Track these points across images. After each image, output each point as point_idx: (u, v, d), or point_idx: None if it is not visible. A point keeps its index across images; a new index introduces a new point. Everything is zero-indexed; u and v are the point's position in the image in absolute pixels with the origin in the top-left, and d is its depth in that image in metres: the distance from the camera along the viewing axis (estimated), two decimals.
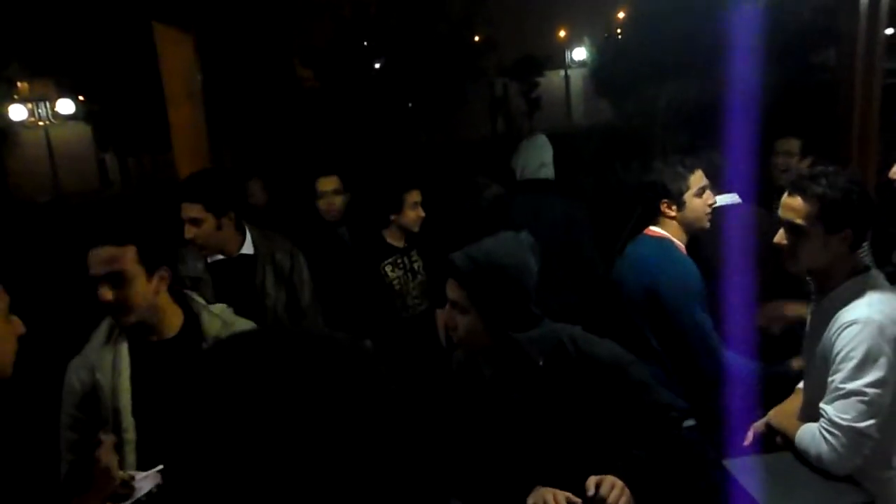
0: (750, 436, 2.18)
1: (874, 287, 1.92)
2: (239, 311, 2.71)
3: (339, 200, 3.66)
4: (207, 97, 3.25)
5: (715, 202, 2.66)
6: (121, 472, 1.78)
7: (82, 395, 1.98)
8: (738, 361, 2.44)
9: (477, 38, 21.75)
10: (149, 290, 1.95)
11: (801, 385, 2.25)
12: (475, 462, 1.91)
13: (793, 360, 2.37)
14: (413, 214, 3.42)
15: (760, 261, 2.76)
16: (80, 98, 21.02)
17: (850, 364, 1.83)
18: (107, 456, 1.68)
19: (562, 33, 33.41)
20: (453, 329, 1.87)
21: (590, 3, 26.76)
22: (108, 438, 1.72)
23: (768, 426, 2.15)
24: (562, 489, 1.75)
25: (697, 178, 2.59)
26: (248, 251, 2.91)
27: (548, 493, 1.74)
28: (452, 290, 1.83)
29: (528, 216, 3.36)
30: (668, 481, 2.38)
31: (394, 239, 3.46)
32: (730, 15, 3.75)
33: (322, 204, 3.64)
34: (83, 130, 22.73)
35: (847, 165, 3.28)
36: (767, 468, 1.95)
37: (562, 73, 31.40)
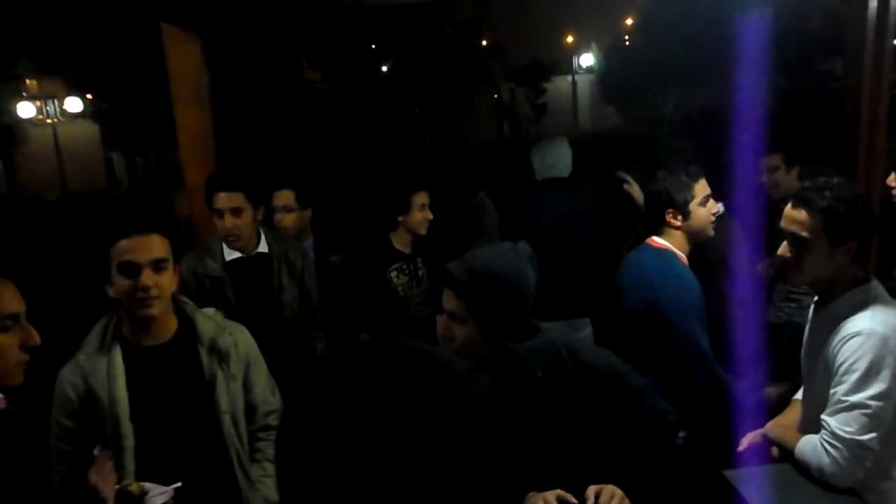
0: (745, 444, 2.18)
1: (876, 298, 1.91)
2: (256, 308, 2.84)
3: (291, 217, 3.46)
4: (214, 98, 3.26)
5: (719, 211, 2.65)
6: (134, 484, 1.77)
7: (77, 404, 1.95)
8: (728, 379, 2.46)
9: (484, 43, 21.78)
10: (174, 283, 2.01)
11: (798, 396, 2.24)
12: (472, 474, 1.89)
13: (769, 387, 2.37)
14: (420, 216, 3.40)
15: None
16: (89, 96, 21.12)
17: (854, 376, 1.82)
18: (97, 476, 1.66)
19: (569, 39, 33.43)
20: (449, 340, 1.83)
21: (597, 9, 26.78)
22: (102, 456, 1.71)
23: (765, 438, 2.14)
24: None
25: (702, 187, 2.58)
26: (263, 250, 2.98)
27: (538, 497, 1.73)
28: (449, 301, 1.81)
29: (547, 212, 3.67)
30: (667, 491, 2.39)
31: (401, 244, 3.44)
32: (738, 23, 3.74)
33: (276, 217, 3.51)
34: (91, 129, 22.82)
35: (853, 175, 3.28)
36: (768, 479, 1.95)
37: (569, 78, 31.42)
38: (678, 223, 2.57)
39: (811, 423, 1.97)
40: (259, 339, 2.26)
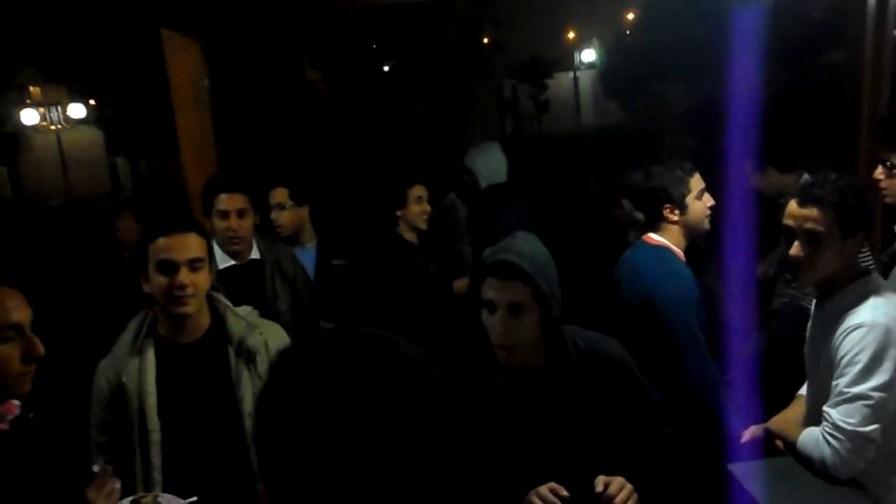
0: (747, 437, 2.19)
1: (877, 290, 1.91)
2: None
3: (287, 215, 3.36)
4: (215, 102, 3.27)
5: (713, 203, 2.66)
6: (149, 496, 1.79)
7: (110, 397, 2.00)
8: (720, 374, 2.48)
9: (485, 40, 21.76)
10: (209, 282, 2.04)
11: (802, 391, 2.24)
12: (483, 473, 1.90)
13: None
14: (417, 209, 3.42)
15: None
16: (92, 102, 21.20)
17: (856, 368, 1.82)
18: (96, 493, 1.67)
19: (570, 35, 33.37)
20: (509, 334, 1.79)
21: (598, 5, 26.73)
22: (102, 472, 1.72)
23: (767, 431, 2.14)
24: (569, 490, 1.75)
25: (696, 181, 2.60)
26: (256, 257, 2.94)
27: (533, 494, 1.74)
28: (515, 293, 1.77)
29: (513, 217, 3.53)
30: (671, 485, 2.39)
31: (411, 237, 3.47)
32: (738, 17, 3.73)
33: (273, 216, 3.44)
34: (94, 134, 22.92)
35: (855, 168, 3.27)
36: (771, 472, 1.95)
37: (571, 74, 31.36)
38: (676, 218, 2.58)
39: (815, 418, 1.97)
40: None
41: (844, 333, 1.87)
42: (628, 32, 23.95)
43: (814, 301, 2.10)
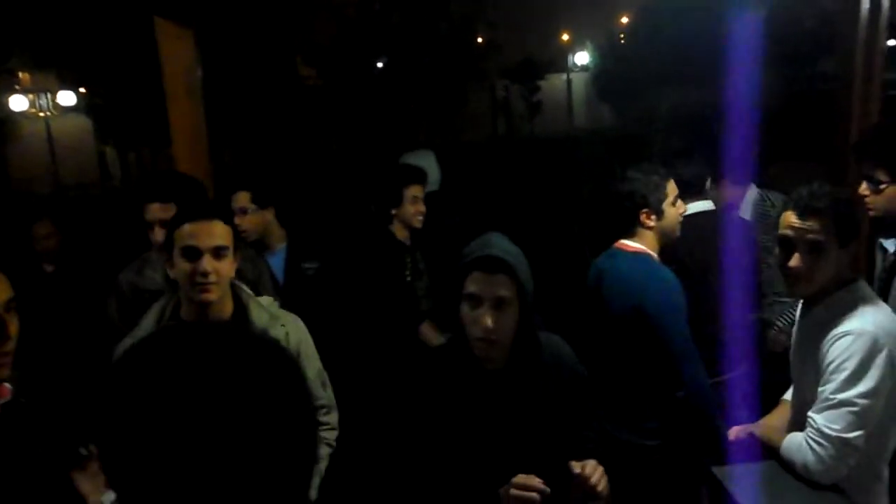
0: (732, 436, 2.22)
1: (865, 298, 1.93)
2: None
3: (249, 220, 3.19)
4: (208, 93, 3.25)
5: (686, 210, 2.66)
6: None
7: None
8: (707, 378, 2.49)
9: (479, 40, 21.76)
10: (232, 270, 2.04)
11: (786, 396, 2.26)
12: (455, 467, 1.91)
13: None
14: (412, 209, 3.39)
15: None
16: (82, 90, 21.02)
17: (843, 375, 1.84)
18: (82, 476, 1.65)
19: (564, 37, 33.44)
20: (495, 328, 1.79)
21: (593, 7, 26.81)
22: (90, 456, 1.70)
23: (752, 436, 2.16)
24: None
25: (672, 188, 2.61)
26: None
27: (503, 490, 1.75)
28: (502, 287, 1.77)
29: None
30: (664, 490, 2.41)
31: (401, 237, 3.45)
32: (732, 22, 3.75)
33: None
34: (84, 123, 22.71)
35: (845, 176, 3.30)
36: (753, 476, 1.97)
37: (564, 76, 31.43)
38: (652, 223, 2.57)
39: (799, 423, 1.99)
40: None
41: (832, 340, 1.88)
42: (622, 36, 24.06)
43: (799, 307, 2.12)
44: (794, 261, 1.94)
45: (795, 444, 1.94)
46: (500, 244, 1.82)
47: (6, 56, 17.32)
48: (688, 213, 2.94)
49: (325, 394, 2.26)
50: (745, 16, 3.67)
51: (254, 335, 0.81)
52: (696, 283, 2.79)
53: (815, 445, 1.87)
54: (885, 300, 2.34)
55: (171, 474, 0.69)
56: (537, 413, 1.90)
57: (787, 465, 1.96)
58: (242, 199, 3.20)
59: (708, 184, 3.22)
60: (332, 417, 2.29)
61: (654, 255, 2.58)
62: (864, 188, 2.40)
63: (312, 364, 2.23)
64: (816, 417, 1.88)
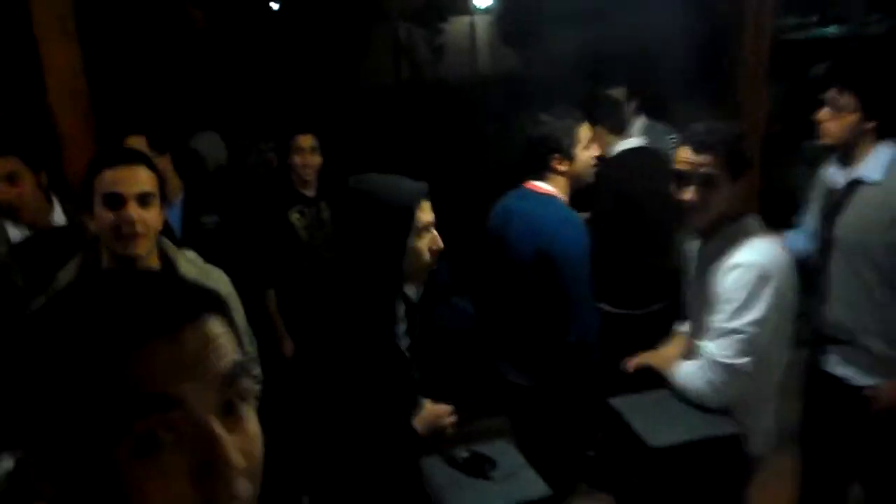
0: (630, 367, 2.32)
1: (754, 231, 2.03)
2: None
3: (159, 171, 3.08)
4: (84, 36, 3.00)
5: (598, 154, 2.68)
6: None
7: None
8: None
9: None
10: (160, 221, 1.90)
11: (682, 328, 2.36)
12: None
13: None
14: (300, 159, 3.31)
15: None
16: None
17: (733, 305, 1.93)
18: None
19: None
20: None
21: None
22: None
23: (647, 366, 2.26)
24: None
25: (585, 132, 2.60)
26: (61, 221, 2.56)
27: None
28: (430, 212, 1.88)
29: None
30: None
31: (304, 187, 3.37)
32: None
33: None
34: None
35: (736, 115, 3.42)
36: (647, 404, 2.07)
37: (467, 19, 31.09)
38: (563, 168, 2.56)
39: (694, 353, 2.09)
40: None
41: (723, 273, 1.97)
42: None
43: (697, 243, 2.21)
44: (689, 194, 2.01)
45: (688, 371, 2.04)
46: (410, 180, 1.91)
47: None
48: (617, 151, 2.98)
49: (251, 348, 2.20)
50: None
51: (187, 282, 0.71)
52: (632, 219, 2.85)
53: (706, 372, 1.97)
54: (830, 234, 2.44)
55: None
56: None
57: (679, 392, 2.06)
58: (138, 143, 2.90)
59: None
60: (258, 371, 2.24)
61: (565, 199, 2.58)
62: (823, 113, 2.40)
63: (240, 317, 2.13)
64: (708, 345, 1.98)
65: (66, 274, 1.91)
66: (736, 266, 1.95)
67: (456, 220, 2.14)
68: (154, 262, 1.95)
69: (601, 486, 3.09)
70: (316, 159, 3.35)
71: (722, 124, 2.04)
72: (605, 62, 3.78)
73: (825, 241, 2.47)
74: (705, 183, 1.99)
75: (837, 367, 2.50)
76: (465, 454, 1.94)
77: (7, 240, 2.44)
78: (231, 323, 0.70)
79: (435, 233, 1.89)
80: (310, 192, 3.39)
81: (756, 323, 1.92)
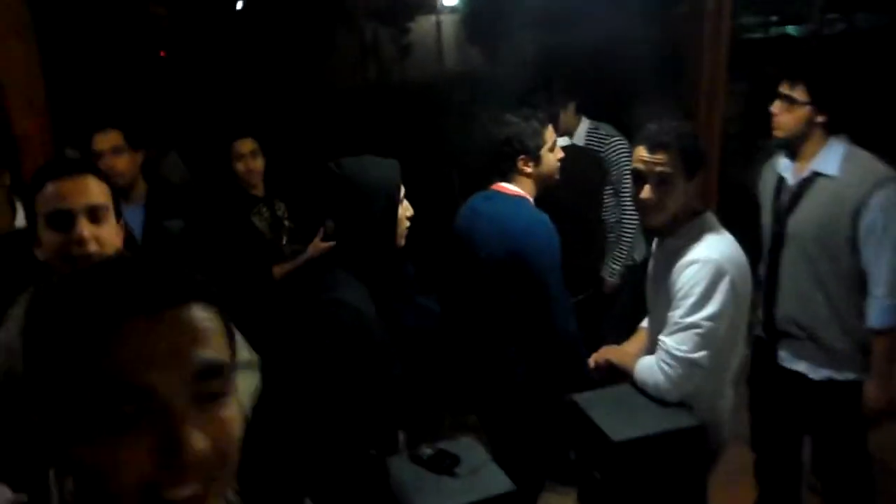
0: (591, 365, 2.37)
1: (710, 228, 2.07)
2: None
3: (123, 161, 2.88)
4: (40, 32, 2.94)
5: (562, 156, 2.69)
6: None
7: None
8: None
9: None
10: (118, 238, 1.67)
11: (643, 324, 2.40)
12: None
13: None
14: (242, 165, 3.29)
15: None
16: None
17: (690, 300, 1.97)
18: None
19: None
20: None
21: None
22: None
23: (608, 363, 2.30)
24: None
25: (550, 133, 2.60)
26: (22, 224, 2.36)
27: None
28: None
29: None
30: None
31: (253, 190, 3.37)
32: None
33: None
34: None
35: (694, 116, 3.49)
36: (610, 399, 2.11)
37: (433, 18, 31.04)
38: (529, 169, 2.55)
39: (654, 348, 2.13)
40: None
41: (681, 269, 2.01)
42: None
43: (654, 240, 2.25)
44: (645, 192, 2.05)
45: (647, 365, 2.08)
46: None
47: None
48: None
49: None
50: None
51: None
52: (554, 215, 2.88)
53: (664, 366, 2.01)
54: (783, 229, 2.48)
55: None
56: None
57: (640, 387, 2.10)
58: (114, 137, 2.85)
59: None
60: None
61: (530, 199, 2.57)
62: (776, 106, 2.45)
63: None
64: (666, 340, 2.02)
65: (17, 310, 1.67)
66: (692, 262, 1.99)
67: (421, 219, 2.14)
68: None
69: (564, 481, 3.12)
70: (258, 162, 3.33)
71: (677, 123, 2.07)
72: (552, 64, 3.85)
73: (777, 236, 2.52)
74: (661, 181, 2.03)
75: (790, 361, 2.56)
76: (429, 451, 1.96)
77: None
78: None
79: (406, 201, 1.99)
80: (259, 193, 3.38)
81: (712, 317, 1.97)
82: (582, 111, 3.66)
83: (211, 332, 0.68)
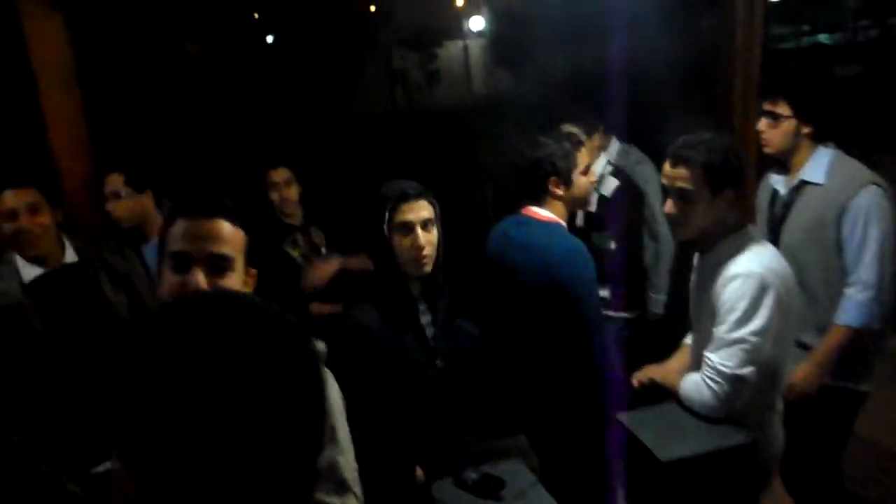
0: (636, 384, 2.35)
1: (752, 242, 2.04)
2: (81, 328, 2.34)
3: (123, 205, 2.93)
4: (83, 81, 3.04)
5: (596, 179, 2.68)
6: None
7: None
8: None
9: (373, 9, 21.33)
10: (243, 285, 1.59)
11: (686, 341, 2.37)
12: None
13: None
14: (276, 195, 3.34)
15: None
16: None
17: (735, 315, 1.94)
18: None
19: (459, 2, 33.28)
20: (429, 245, 2.04)
21: None
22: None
23: (652, 381, 2.27)
24: None
25: (583, 156, 2.56)
26: (71, 259, 2.52)
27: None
28: (424, 210, 2.03)
29: None
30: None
31: (289, 219, 3.40)
32: None
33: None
34: None
35: (730, 129, 3.45)
36: (656, 418, 2.07)
37: (460, 43, 31.32)
38: (561, 192, 2.51)
39: (698, 365, 2.09)
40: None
41: (724, 283, 1.98)
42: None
43: (696, 255, 2.22)
44: (668, 206, 2.05)
45: (692, 382, 2.04)
46: (410, 181, 2.06)
47: None
48: None
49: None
50: None
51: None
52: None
53: (710, 382, 1.97)
54: (776, 243, 2.48)
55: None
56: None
57: (685, 405, 2.07)
58: (115, 181, 2.93)
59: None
60: None
61: (563, 223, 2.53)
62: (762, 124, 2.54)
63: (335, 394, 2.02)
64: (712, 356, 1.98)
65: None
66: (736, 276, 1.97)
67: (455, 243, 2.16)
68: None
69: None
70: (292, 191, 3.37)
71: (708, 136, 2.04)
72: (579, 85, 3.84)
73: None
74: (682, 196, 2.02)
75: None
76: (474, 475, 1.94)
77: (20, 280, 2.37)
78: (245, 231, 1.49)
79: (418, 233, 2.00)
80: (296, 222, 3.42)
81: (758, 332, 1.93)
82: (612, 132, 3.61)
83: (228, 235, 1.44)
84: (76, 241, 2.57)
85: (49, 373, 2.15)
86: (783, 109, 2.48)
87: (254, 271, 1.57)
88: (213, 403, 0.66)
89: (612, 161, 3.49)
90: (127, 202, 2.93)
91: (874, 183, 2.40)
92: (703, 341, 2.09)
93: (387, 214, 2.02)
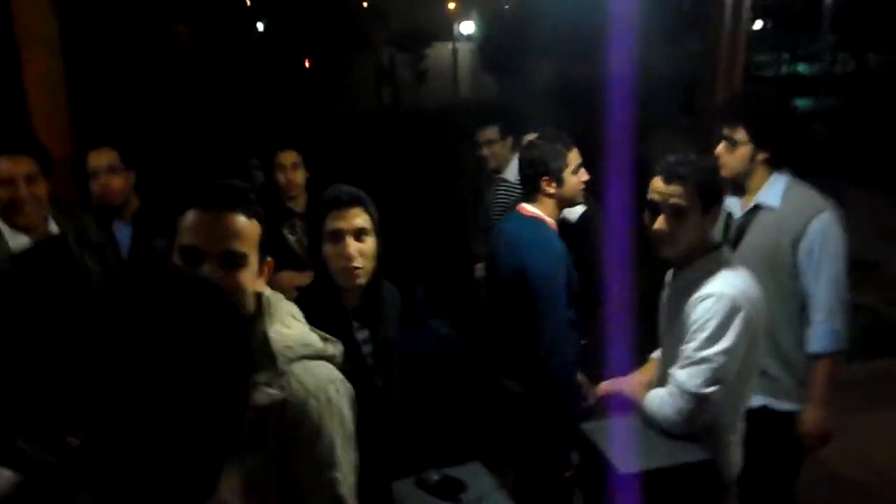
0: (600, 393, 2.37)
1: (726, 263, 2.06)
2: (63, 299, 2.27)
3: (118, 180, 2.86)
4: (66, 45, 2.99)
5: (588, 179, 2.74)
6: None
7: None
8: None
9: (365, 5, 21.34)
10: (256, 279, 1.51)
11: (654, 355, 2.39)
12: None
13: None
14: (283, 176, 3.33)
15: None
16: None
17: (704, 334, 1.96)
18: None
19: (451, 5, 33.37)
20: (360, 256, 1.92)
21: None
22: None
23: (618, 393, 2.29)
24: None
25: (574, 156, 2.68)
26: (53, 230, 2.48)
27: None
28: (360, 218, 1.93)
29: None
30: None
31: (292, 203, 3.38)
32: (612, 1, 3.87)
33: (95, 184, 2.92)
34: None
35: (709, 150, 3.50)
36: (618, 430, 2.08)
37: (450, 45, 31.43)
38: (552, 190, 2.64)
39: (665, 380, 2.11)
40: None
41: (695, 302, 2.00)
42: (507, 7, 24.28)
43: (670, 272, 2.24)
44: (659, 223, 2.05)
45: (657, 398, 2.06)
46: (347, 187, 1.97)
47: None
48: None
49: None
50: None
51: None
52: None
53: (674, 399, 1.99)
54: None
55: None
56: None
57: (647, 419, 2.08)
58: (110, 156, 2.84)
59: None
60: None
61: (550, 220, 2.65)
62: (720, 148, 2.57)
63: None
64: (677, 373, 2.00)
65: None
66: (708, 296, 1.98)
67: (431, 244, 2.17)
68: None
69: None
70: (299, 175, 3.36)
71: (696, 156, 2.07)
72: (565, 100, 3.88)
73: None
74: (675, 213, 2.03)
75: None
76: (435, 477, 1.94)
77: (7, 249, 2.32)
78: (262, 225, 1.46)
79: (349, 241, 1.89)
80: (298, 208, 3.39)
81: (726, 352, 1.95)
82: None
83: (243, 230, 1.38)
84: (54, 210, 2.53)
85: (34, 341, 2.11)
86: (740, 135, 2.51)
87: (270, 260, 1.50)
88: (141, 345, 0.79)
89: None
90: (122, 178, 2.87)
91: (828, 209, 2.44)
92: (671, 358, 2.10)
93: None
